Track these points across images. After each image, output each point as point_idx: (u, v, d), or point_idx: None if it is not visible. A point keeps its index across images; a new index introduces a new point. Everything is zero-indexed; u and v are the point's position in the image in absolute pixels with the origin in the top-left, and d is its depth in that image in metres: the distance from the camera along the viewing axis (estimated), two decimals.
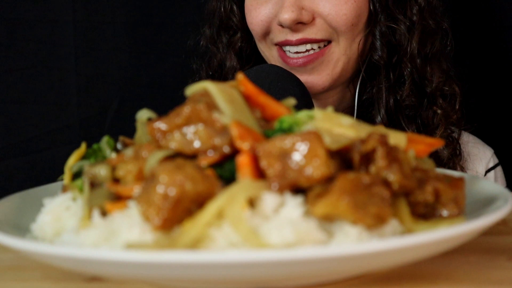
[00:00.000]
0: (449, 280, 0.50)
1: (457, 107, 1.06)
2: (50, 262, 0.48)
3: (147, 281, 0.49)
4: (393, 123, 1.04)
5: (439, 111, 1.04)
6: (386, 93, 1.03)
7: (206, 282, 0.46)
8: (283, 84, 0.82)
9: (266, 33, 1.04)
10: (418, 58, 1.04)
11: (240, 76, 0.57)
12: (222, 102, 0.53)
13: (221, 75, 1.13)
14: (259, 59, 1.12)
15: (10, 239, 0.49)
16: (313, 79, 1.01)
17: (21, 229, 0.58)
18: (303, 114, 0.56)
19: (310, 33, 0.99)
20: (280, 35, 1.01)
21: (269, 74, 0.83)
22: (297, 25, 0.98)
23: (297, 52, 1.01)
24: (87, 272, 0.51)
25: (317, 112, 0.56)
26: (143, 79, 1.42)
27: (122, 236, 0.48)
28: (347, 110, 1.11)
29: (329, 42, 1.02)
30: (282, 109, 0.58)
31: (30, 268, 0.56)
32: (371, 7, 1.02)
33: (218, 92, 0.54)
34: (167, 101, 1.22)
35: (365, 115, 1.07)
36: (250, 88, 0.57)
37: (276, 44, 1.03)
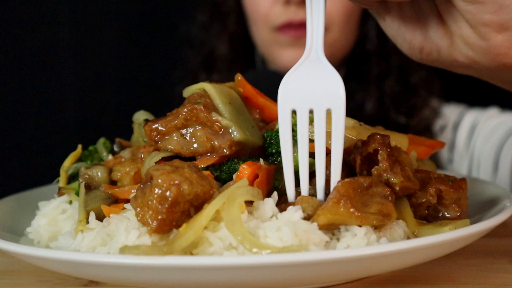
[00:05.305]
0: (451, 282, 0.49)
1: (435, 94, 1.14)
2: (46, 266, 0.48)
3: (144, 285, 0.48)
4: (383, 111, 1.10)
5: (420, 98, 1.12)
6: (375, 82, 1.11)
7: (204, 286, 0.45)
8: None
9: (267, 17, 1.07)
10: None
11: (239, 77, 0.57)
12: (220, 103, 0.52)
13: (211, 62, 1.17)
14: (249, 44, 1.16)
15: (5, 243, 0.48)
16: (298, 54, 1.07)
17: (16, 232, 0.57)
18: None
19: None
20: (283, 16, 1.04)
21: (267, 78, 0.85)
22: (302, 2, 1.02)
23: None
24: (84, 276, 0.50)
25: None
26: (140, 80, 1.41)
27: (119, 240, 0.47)
28: None
29: None
30: None
31: (25, 272, 0.55)
32: None
33: (217, 93, 0.53)
34: (164, 103, 1.23)
35: (353, 105, 1.11)
36: (249, 89, 0.57)
37: (277, 29, 1.06)
